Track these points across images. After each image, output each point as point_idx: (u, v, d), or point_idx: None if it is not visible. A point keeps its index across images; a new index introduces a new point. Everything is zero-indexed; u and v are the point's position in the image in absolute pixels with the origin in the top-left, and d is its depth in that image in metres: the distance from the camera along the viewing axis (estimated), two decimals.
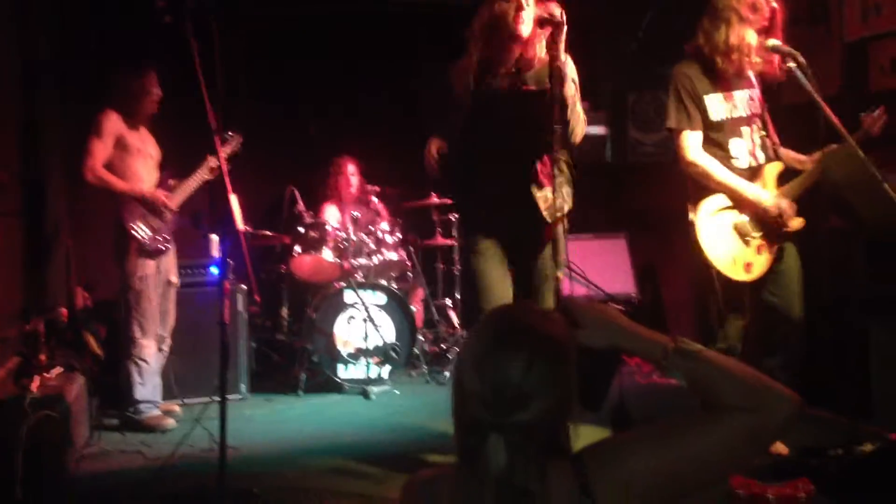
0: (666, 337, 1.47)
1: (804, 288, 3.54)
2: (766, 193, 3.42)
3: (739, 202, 3.44)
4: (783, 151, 3.57)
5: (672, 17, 6.14)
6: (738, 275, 3.40)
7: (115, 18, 5.50)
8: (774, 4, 3.41)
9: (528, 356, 1.36)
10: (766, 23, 3.40)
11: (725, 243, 3.42)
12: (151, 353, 4.51)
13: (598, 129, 6.36)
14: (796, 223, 3.45)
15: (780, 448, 3.52)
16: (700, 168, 3.44)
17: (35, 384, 3.76)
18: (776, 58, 3.37)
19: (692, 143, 3.46)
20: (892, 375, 3.97)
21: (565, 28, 3.04)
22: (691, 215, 3.48)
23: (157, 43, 3.85)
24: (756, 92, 3.51)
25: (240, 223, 2.63)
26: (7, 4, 4.52)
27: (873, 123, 3.40)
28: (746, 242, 3.42)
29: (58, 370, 4.12)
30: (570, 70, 3.16)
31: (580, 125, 3.24)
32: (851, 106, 4.75)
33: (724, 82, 3.47)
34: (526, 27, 3.21)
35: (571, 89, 3.16)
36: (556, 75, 3.02)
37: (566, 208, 3.30)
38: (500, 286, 3.32)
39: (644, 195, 6.28)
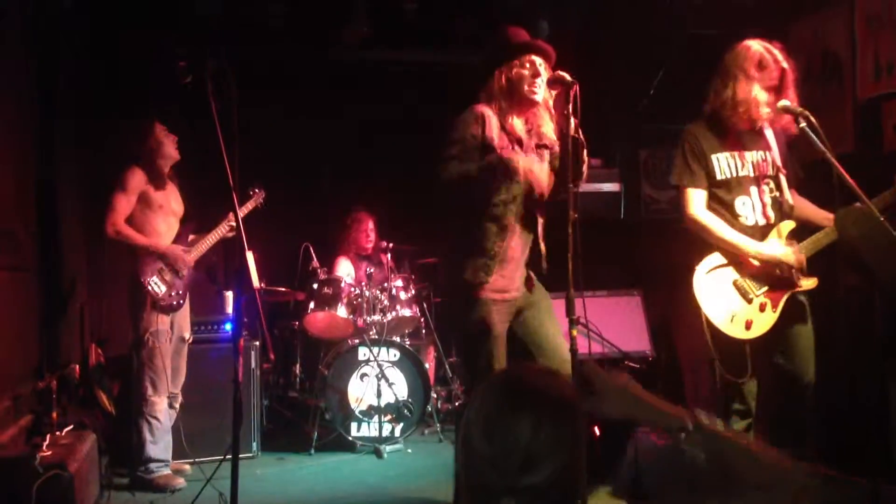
0: (684, 411, 1.44)
1: (817, 351, 3.49)
2: (774, 246, 3.38)
3: (742, 259, 3.42)
4: (804, 205, 3.54)
5: (684, 74, 6.22)
6: (737, 333, 3.35)
7: (136, 78, 5.59)
8: (785, 65, 3.42)
9: (536, 417, 1.34)
10: (776, 82, 3.41)
11: (724, 300, 3.38)
12: (163, 410, 4.49)
13: (612, 186, 6.36)
14: (808, 282, 3.40)
15: None
16: (701, 224, 3.43)
17: (46, 443, 3.74)
18: (788, 118, 3.37)
19: (694, 200, 3.46)
20: None
21: (577, 89, 3.07)
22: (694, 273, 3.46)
23: (178, 102, 3.90)
24: (772, 153, 3.49)
25: (255, 280, 2.62)
26: (27, 58, 4.60)
27: None
28: (749, 300, 3.38)
29: (69, 428, 4.10)
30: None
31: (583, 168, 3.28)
32: (866, 164, 4.77)
33: (733, 141, 3.47)
34: (540, 93, 3.26)
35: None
36: (575, 144, 3.06)
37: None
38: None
39: (658, 251, 6.25)
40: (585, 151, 3.23)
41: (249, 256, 2.62)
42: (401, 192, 6.49)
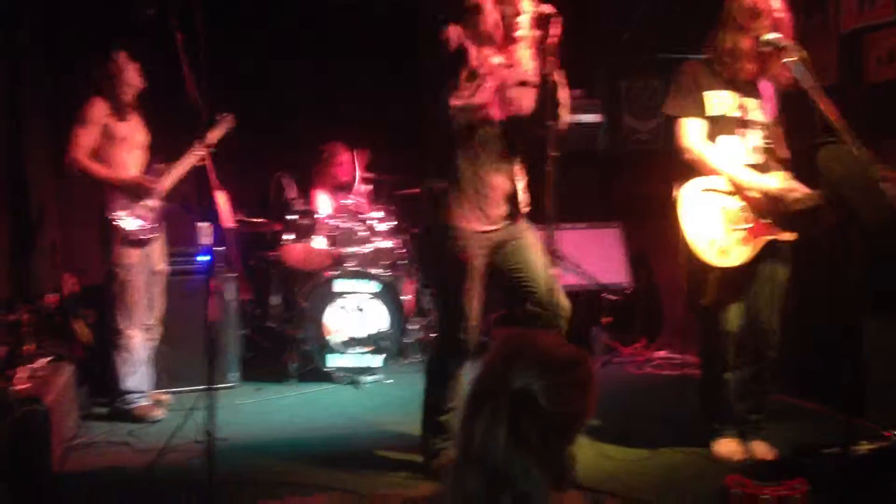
0: None
1: (797, 289, 3.52)
2: (776, 181, 3.37)
3: (738, 189, 3.40)
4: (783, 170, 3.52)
5: (667, 4, 6.11)
6: (711, 258, 3.34)
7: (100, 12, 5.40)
8: (780, 15, 3.36)
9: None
10: (770, 30, 3.35)
11: (707, 223, 3.36)
12: (137, 342, 4.46)
13: (592, 117, 6.29)
14: (787, 235, 3.40)
15: (765, 452, 3.51)
16: (698, 154, 3.40)
17: (21, 376, 3.71)
18: (781, 69, 3.32)
19: (691, 130, 3.43)
20: (885, 370, 3.96)
21: (559, 27, 3.00)
22: (675, 192, 3.43)
23: (143, 34, 3.76)
24: (767, 106, 3.46)
25: (228, 220, 2.56)
26: None
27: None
28: (732, 229, 3.37)
29: (45, 360, 4.08)
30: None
31: (565, 110, 3.22)
32: (849, 97, 4.74)
33: (729, 85, 3.44)
34: (523, 30, 3.18)
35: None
36: (553, 84, 3.03)
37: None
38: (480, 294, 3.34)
39: (638, 183, 6.23)
40: (565, 92, 3.16)
41: (220, 196, 2.56)
42: (381, 120, 6.38)
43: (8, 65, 4.64)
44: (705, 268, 3.37)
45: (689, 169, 3.43)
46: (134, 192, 4.39)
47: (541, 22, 3.08)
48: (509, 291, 3.44)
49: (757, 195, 3.36)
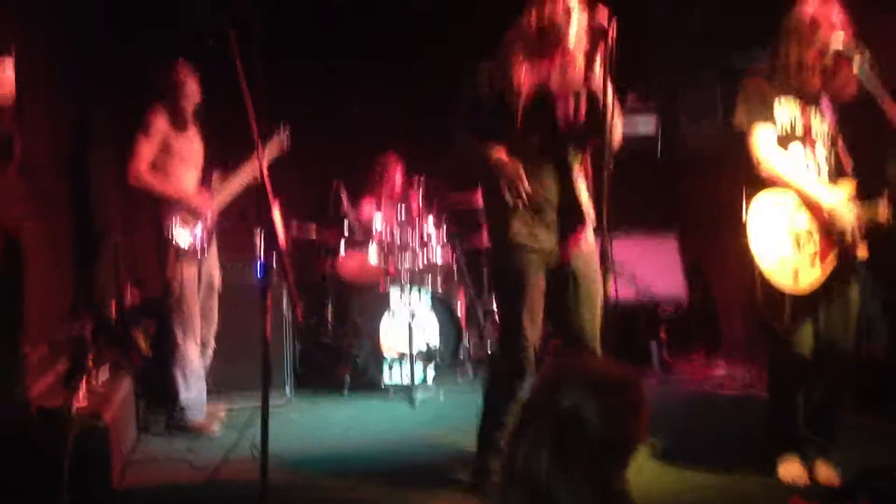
0: None
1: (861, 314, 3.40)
2: (844, 206, 3.24)
3: (806, 205, 3.30)
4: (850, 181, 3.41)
5: (726, 9, 5.98)
6: (783, 281, 3.24)
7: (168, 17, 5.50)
8: (840, 24, 3.25)
9: None
10: (835, 40, 3.25)
11: (777, 244, 3.26)
12: (195, 356, 4.51)
13: (649, 122, 6.18)
14: (861, 251, 3.27)
15: (831, 475, 3.39)
16: (772, 165, 3.30)
17: (83, 389, 3.78)
18: (844, 65, 3.22)
19: (763, 140, 3.32)
20: None
21: (611, 40, 2.93)
22: (744, 212, 3.34)
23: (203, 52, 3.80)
24: (829, 116, 3.36)
25: (282, 239, 2.57)
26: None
27: None
28: (801, 250, 3.26)
29: (105, 372, 4.15)
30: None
31: (617, 128, 3.14)
32: None
33: (794, 97, 3.35)
34: (572, 38, 3.09)
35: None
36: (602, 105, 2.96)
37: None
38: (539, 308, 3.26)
39: (695, 191, 6.13)
40: (616, 113, 3.09)
41: (276, 213, 2.56)
42: (433, 124, 6.34)
43: (75, 74, 4.74)
44: (779, 290, 3.27)
45: (758, 182, 3.33)
46: (188, 210, 4.44)
47: (596, 30, 3.01)
48: (551, 319, 3.37)
49: (824, 211, 3.26)
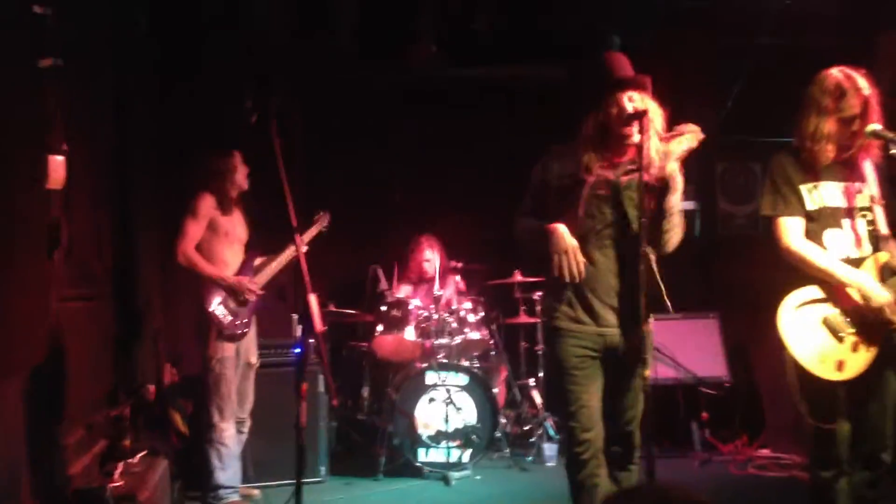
0: None
1: None
2: (873, 283, 3.18)
3: (835, 293, 3.23)
4: (893, 244, 3.33)
5: (760, 88, 6.02)
6: (829, 374, 3.14)
7: (204, 115, 5.68)
8: (867, 92, 3.22)
9: None
10: (857, 110, 3.21)
11: (812, 339, 3.18)
12: (231, 436, 4.51)
13: (687, 204, 6.17)
14: None
15: None
16: (797, 254, 3.25)
17: (119, 471, 3.79)
18: (879, 145, 3.18)
19: (790, 229, 3.28)
20: None
21: (652, 120, 2.95)
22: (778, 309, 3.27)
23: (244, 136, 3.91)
24: (867, 185, 3.27)
25: (319, 324, 2.59)
26: (102, 91, 4.70)
27: None
28: (840, 339, 3.18)
29: (142, 454, 4.16)
30: (678, 182, 3.09)
31: (675, 235, 3.14)
32: None
33: (823, 172, 3.27)
34: (636, 133, 3.07)
35: (677, 201, 3.08)
36: (669, 183, 3.02)
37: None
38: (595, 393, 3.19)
39: (735, 271, 6.06)
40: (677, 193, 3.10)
41: (312, 299, 2.59)
42: (472, 210, 6.43)
43: (118, 154, 4.89)
44: (825, 384, 3.18)
45: (791, 275, 3.28)
46: (233, 293, 4.51)
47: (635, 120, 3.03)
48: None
49: (856, 294, 3.18)
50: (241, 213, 4.77)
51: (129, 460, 3.98)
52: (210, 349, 4.49)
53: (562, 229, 3.10)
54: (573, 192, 3.15)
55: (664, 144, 3.14)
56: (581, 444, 3.13)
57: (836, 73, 3.23)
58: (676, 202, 3.11)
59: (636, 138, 3.04)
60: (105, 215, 4.64)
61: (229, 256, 4.64)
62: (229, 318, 4.51)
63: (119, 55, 4.87)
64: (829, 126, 3.19)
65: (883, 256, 3.21)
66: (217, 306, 4.49)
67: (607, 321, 3.15)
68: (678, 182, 3.11)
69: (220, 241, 4.60)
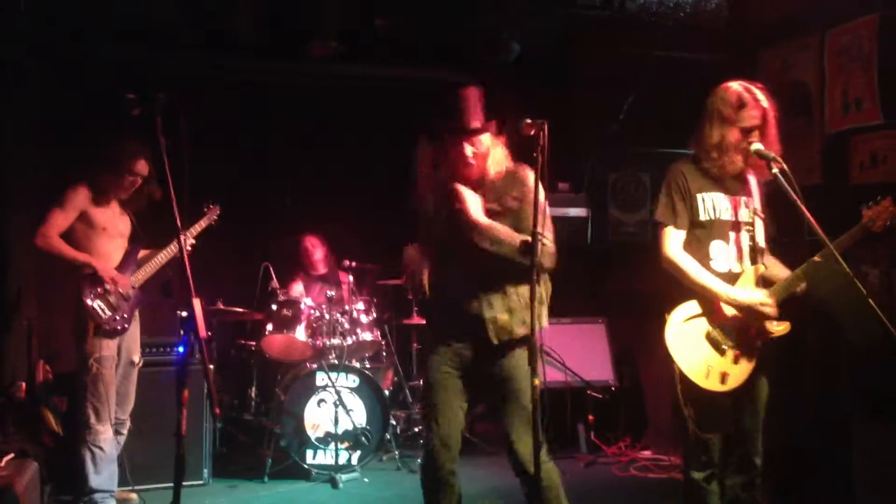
0: None
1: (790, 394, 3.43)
2: (746, 292, 3.29)
3: (713, 308, 3.33)
4: (772, 264, 3.47)
5: (653, 99, 6.20)
6: (714, 386, 3.25)
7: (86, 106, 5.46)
8: (765, 104, 3.33)
9: None
10: (757, 121, 3.31)
11: (698, 353, 3.29)
12: (107, 438, 4.30)
13: (579, 211, 6.31)
14: (781, 328, 3.32)
15: None
16: (676, 265, 3.34)
17: None
18: (762, 162, 3.29)
19: (673, 240, 3.38)
20: (874, 470, 3.87)
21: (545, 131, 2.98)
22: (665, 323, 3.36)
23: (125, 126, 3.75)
24: (753, 199, 3.39)
25: (202, 329, 2.49)
26: None
27: (877, 218, 3.22)
28: (721, 352, 3.29)
29: (9, 457, 3.94)
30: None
31: (548, 256, 3.13)
32: (833, 198, 4.76)
33: (718, 184, 3.37)
34: (473, 166, 3.21)
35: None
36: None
37: (542, 323, 3.20)
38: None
39: (624, 278, 6.22)
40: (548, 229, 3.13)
41: (196, 304, 2.49)
42: (364, 210, 6.39)
43: None
44: (710, 396, 3.27)
45: (673, 289, 3.37)
46: (98, 280, 4.28)
47: (532, 129, 3.05)
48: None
49: (729, 309, 3.29)
50: (122, 206, 4.55)
51: None
52: (88, 346, 4.26)
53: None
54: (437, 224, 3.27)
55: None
56: (433, 445, 3.25)
57: (736, 85, 3.33)
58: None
59: (472, 161, 3.19)
60: None
61: (110, 250, 4.43)
62: (108, 312, 4.29)
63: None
64: (733, 135, 3.27)
65: (759, 269, 3.34)
66: (95, 300, 4.27)
67: (467, 332, 3.25)
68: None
69: (98, 235, 4.38)
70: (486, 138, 3.22)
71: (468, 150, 3.20)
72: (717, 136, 3.30)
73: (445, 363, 3.25)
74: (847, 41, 5.14)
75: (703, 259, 3.35)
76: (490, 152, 3.22)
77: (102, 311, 4.28)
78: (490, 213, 3.18)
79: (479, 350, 3.22)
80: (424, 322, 3.33)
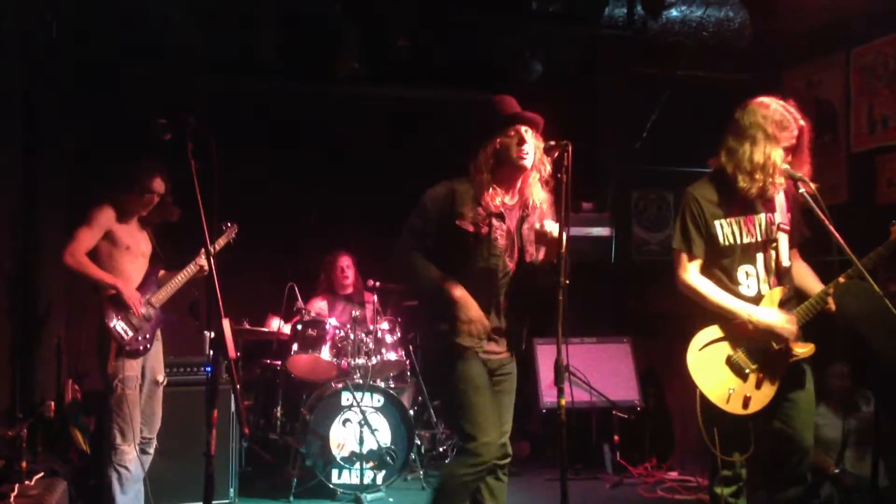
0: None
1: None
2: (768, 313, 3.25)
3: (735, 332, 3.30)
4: (802, 272, 3.39)
5: (677, 118, 6.20)
6: (737, 410, 3.24)
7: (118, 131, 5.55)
8: (802, 123, 3.26)
9: None
10: (795, 141, 3.25)
11: (719, 378, 3.27)
12: (132, 458, 4.31)
13: (603, 231, 6.29)
14: (804, 350, 3.28)
15: None
16: (693, 289, 3.31)
17: (14, 493, 3.62)
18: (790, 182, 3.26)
19: (688, 266, 3.34)
20: None
21: (570, 150, 2.99)
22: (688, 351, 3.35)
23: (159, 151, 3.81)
24: (779, 216, 3.34)
25: (231, 349, 2.52)
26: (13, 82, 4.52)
27: None
28: (744, 377, 3.27)
29: (38, 476, 3.98)
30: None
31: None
32: (859, 216, 4.73)
33: (741, 205, 3.32)
34: (529, 159, 3.18)
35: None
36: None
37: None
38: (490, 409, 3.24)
39: (648, 297, 6.20)
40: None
41: (226, 324, 2.52)
42: (390, 230, 6.39)
43: (26, 162, 4.70)
44: (733, 419, 3.26)
45: (695, 315, 3.36)
46: (121, 301, 4.33)
47: (555, 150, 3.06)
48: None
49: (752, 329, 3.25)
50: (146, 226, 4.61)
51: (26, 482, 3.80)
52: (112, 367, 4.29)
53: (468, 299, 3.14)
54: (469, 242, 3.21)
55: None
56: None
57: (776, 104, 3.26)
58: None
59: (527, 162, 3.17)
60: (5, 224, 4.45)
61: (132, 270, 4.47)
62: (130, 333, 4.33)
63: (30, 58, 4.70)
64: (778, 155, 3.19)
65: (778, 292, 3.30)
66: (117, 321, 4.31)
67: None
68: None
69: (122, 254, 4.43)
70: (536, 140, 3.19)
71: (527, 134, 3.17)
72: (760, 155, 3.19)
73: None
74: (872, 59, 5.14)
75: (732, 284, 3.32)
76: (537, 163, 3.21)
77: (125, 331, 4.32)
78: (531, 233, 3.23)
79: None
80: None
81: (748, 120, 3.26)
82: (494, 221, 3.20)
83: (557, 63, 6.17)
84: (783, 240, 3.34)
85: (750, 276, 3.32)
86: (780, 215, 3.35)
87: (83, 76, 5.68)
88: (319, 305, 6.03)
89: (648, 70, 6.36)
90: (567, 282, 2.89)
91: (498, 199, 3.20)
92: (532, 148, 3.17)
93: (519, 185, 3.27)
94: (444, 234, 3.23)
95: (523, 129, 3.19)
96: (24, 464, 3.87)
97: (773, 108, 3.25)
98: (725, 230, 3.31)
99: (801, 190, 3.16)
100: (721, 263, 3.33)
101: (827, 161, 5.28)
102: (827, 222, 3.06)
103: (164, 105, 3.58)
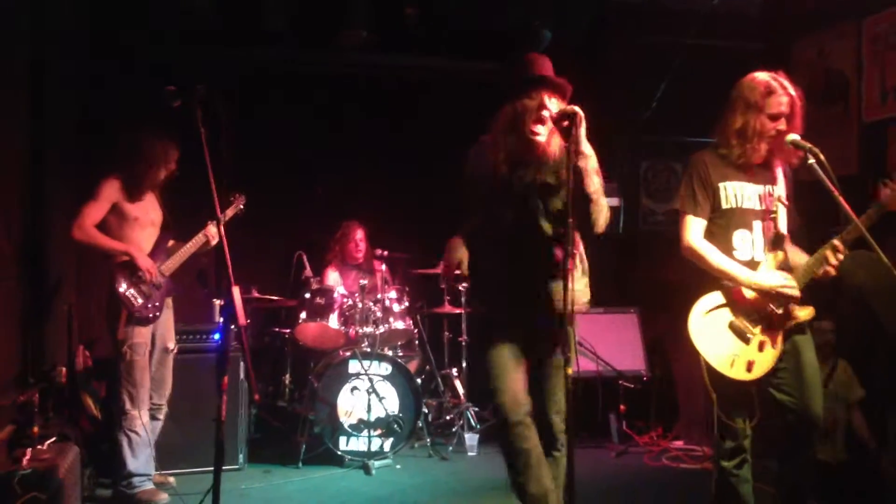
0: None
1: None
2: (767, 276, 3.28)
3: (735, 297, 3.32)
4: (794, 254, 3.45)
5: (685, 88, 6.16)
6: (740, 375, 3.26)
7: (123, 98, 5.57)
8: (793, 92, 3.31)
9: None
10: (785, 109, 3.29)
11: (722, 344, 3.29)
12: (142, 423, 4.38)
13: (611, 201, 6.25)
14: (804, 312, 3.31)
15: None
16: (696, 252, 3.35)
17: (27, 457, 3.66)
18: (793, 150, 3.28)
19: (693, 228, 3.37)
20: None
21: (583, 121, 2.97)
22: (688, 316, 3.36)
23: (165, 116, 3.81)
24: (778, 188, 3.38)
25: (242, 317, 2.54)
26: (21, 67, 4.52)
27: (893, 197, 3.17)
28: (746, 340, 3.29)
29: (51, 441, 4.02)
30: (592, 163, 3.08)
31: (602, 216, 3.15)
32: (869, 188, 4.70)
33: (742, 172, 3.36)
34: (543, 133, 3.15)
35: (595, 184, 3.09)
36: (576, 173, 2.95)
37: (584, 300, 3.25)
38: (514, 373, 3.24)
39: (655, 268, 6.20)
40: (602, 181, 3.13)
41: (236, 292, 2.54)
42: (398, 199, 6.41)
43: (33, 130, 4.71)
44: (737, 384, 3.27)
45: (696, 279, 3.37)
46: (133, 268, 4.37)
47: (566, 120, 3.03)
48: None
49: (753, 294, 3.28)
50: (156, 195, 4.63)
51: (38, 446, 3.85)
52: (121, 333, 4.35)
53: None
54: (488, 191, 3.22)
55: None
56: None
57: (763, 74, 3.32)
58: (593, 186, 3.10)
59: (541, 138, 3.14)
60: (14, 192, 4.46)
61: (142, 239, 4.51)
62: (140, 300, 4.37)
63: (37, 24, 4.68)
64: (758, 122, 3.26)
65: (777, 256, 3.32)
66: (128, 288, 4.35)
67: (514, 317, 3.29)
68: (590, 164, 3.09)
69: (131, 226, 4.46)
70: (557, 103, 3.15)
71: (549, 101, 3.13)
72: (739, 122, 3.30)
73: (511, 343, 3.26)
74: (884, 29, 5.08)
75: (726, 248, 3.36)
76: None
77: (135, 298, 4.36)
78: (545, 186, 3.18)
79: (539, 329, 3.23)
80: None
81: (735, 92, 3.37)
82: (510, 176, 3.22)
83: (567, 32, 6.13)
84: (783, 213, 3.37)
85: (745, 242, 3.34)
86: (781, 189, 3.39)
87: (92, 45, 5.65)
88: (334, 277, 6.05)
89: (658, 39, 6.31)
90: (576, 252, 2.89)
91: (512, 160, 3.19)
92: (547, 127, 3.13)
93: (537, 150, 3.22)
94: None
95: (547, 97, 3.15)
96: (35, 429, 3.90)
97: (760, 79, 3.32)
98: (729, 192, 3.36)
99: (811, 161, 3.14)
100: (719, 225, 3.36)
101: (837, 132, 5.24)
102: (836, 192, 3.05)
103: (172, 74, 3.57)
